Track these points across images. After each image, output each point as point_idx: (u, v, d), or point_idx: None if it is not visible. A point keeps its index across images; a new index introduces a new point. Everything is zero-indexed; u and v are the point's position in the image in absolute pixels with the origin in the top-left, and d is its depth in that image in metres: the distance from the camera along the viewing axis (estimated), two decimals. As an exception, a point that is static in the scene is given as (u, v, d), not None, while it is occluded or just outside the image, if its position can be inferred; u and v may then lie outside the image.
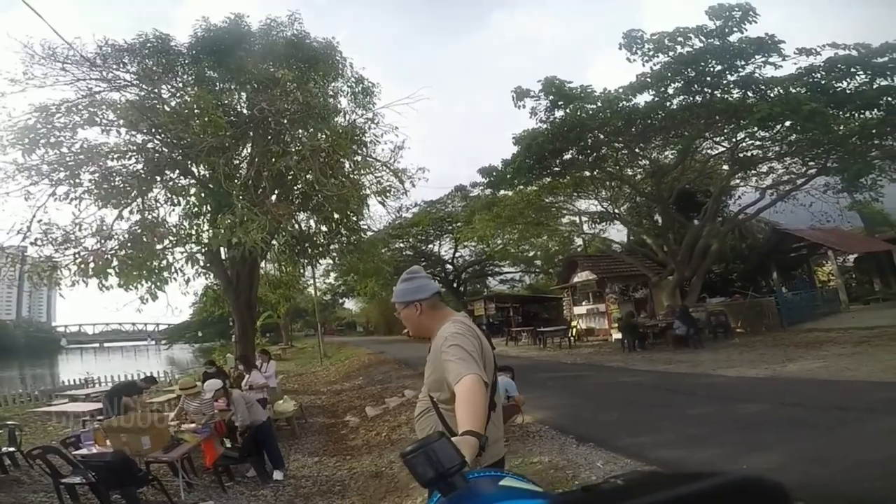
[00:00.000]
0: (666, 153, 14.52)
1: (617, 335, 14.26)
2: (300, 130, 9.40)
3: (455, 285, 31.67)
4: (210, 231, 9.39)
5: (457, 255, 30.44)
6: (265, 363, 9.04)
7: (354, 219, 11.50)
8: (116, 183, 8.72)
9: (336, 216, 10.49)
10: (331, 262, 14.77)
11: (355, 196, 9.25)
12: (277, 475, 5.15)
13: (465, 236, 21.55)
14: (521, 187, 14.16)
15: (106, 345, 78.04)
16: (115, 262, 8.53)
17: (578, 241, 22.30)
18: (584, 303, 18.37)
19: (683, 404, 6.19)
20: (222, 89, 9.96)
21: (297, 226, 12.07)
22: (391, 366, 14.49)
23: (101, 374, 14.21)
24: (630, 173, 15.50)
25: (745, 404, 5.76)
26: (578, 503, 0.55)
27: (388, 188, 10.18)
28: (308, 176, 9.13)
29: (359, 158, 10.24)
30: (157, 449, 4.60)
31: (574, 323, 17.14)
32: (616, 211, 17.10)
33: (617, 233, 19.19)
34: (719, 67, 10.75)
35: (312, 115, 8.90)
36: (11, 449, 5.34)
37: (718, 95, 11.24)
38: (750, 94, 11.10)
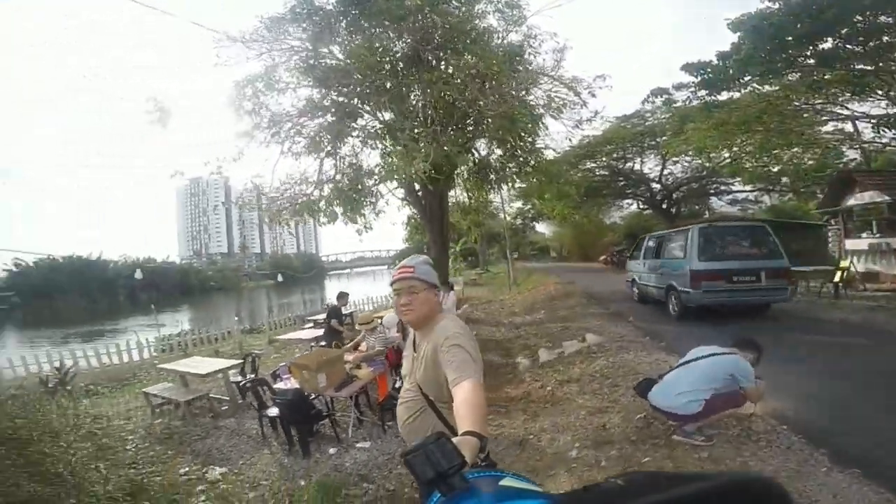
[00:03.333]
0: None
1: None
2: (453, 56, 8.66)
3: (664, 206, 27.22)
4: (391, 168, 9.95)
5: (665, 172, 25.72)
6: (445, 294, 9.32)
7: (530, 139, 10.57)
8: (315, 137, 9.82)
9: (508, 137, 9.78)
10: (512, 186, 14.23)
11: (521, 113, 8.20)
12: None
13: (673, 150, 17.53)
14: (756, 86, 10.28)
15: (354, 270, 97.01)
16: (322, 203, 9.86)
17: (850, 154, 15.75)
18: (864, 234, 13.04)
19: None
20: (375, 34, 9.82)
21: (475, 153, 12.08)
22: (578, 299, 13.46)
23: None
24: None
25: None
26: (579, 503, 0.58)
27: (563, 102, 8.77)
28: (479, 101, 8.52)
29: (517, 74, 8.99)
30: (331, 386, 4.96)
31: (845, 262, 12.34)
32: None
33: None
34: None
35: (460, 40, 7.97)
36: (252, 377, 6.30)
37: None
38: None
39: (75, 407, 5.88)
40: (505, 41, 9.91)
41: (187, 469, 4.12)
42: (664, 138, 19.93)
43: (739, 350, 3.51)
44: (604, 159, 24.68)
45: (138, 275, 33.11)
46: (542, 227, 43.97)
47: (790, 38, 8.86)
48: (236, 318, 14.20)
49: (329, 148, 9.82)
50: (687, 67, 10.75)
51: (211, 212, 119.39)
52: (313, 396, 5.00)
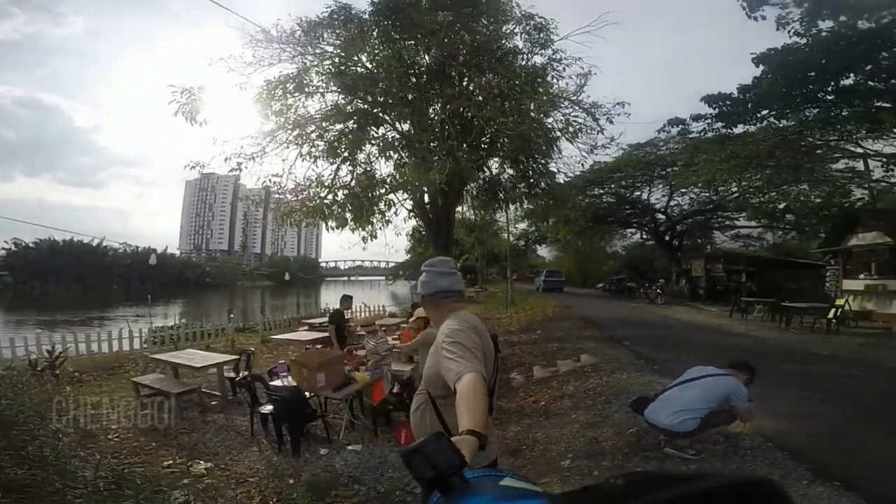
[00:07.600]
0: None
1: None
2: (477, 75, 8.80)
3: (667, 238, 27.31)
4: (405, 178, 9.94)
5: (672, 203, 25.88)
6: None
7: (543, 161, 10.64)
8: (335, 142, 9.84)
9: (522, 158, 9.83)
10: (520, 207, 14.33)
11: (538, 134, 8.29)
12: None
13: (682, 181, 17.62)
14: (772, 120, 10.40)
15: (352, 279, 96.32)
16: (334, 207, 9.81)
17: (857, 193, 15.89)
18: (861, 275, 13.12)
19: None
20: (405, 46, 9.89)
21: (487, 171, 12.14)
22: (574, 322, 13.44)
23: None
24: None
25: None
26: (578, 503, 0.58)
27: (580, 127, 8.86)
28: (498, 119, 8.62)
29: (537, 95, 9.09)
30: (329, 387, 4.85)
31: (840, 301, 12.38)
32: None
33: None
34: None
35: (485, 58, 8.14)
36: (246, 373, 6.14)
37: None
38: None
39: (60, 392, 5.74)
40: (529, 63, 10.02)
41: (171, 462, 4.00)
42: (675, 168, 20.06)
43: (735, 372, 3.65)
44: (612, 186, 24.84)
45: (153, 260, 33.30)
46: (543, 251, 44.27)
47: (812, 73, 8.90)
48: (232, 316, 13.99)
49: (346, 153, 9.85)
50: (707, 98, 10.84)
51: (217, 208, 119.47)
52: (309, 396, 4.89)
